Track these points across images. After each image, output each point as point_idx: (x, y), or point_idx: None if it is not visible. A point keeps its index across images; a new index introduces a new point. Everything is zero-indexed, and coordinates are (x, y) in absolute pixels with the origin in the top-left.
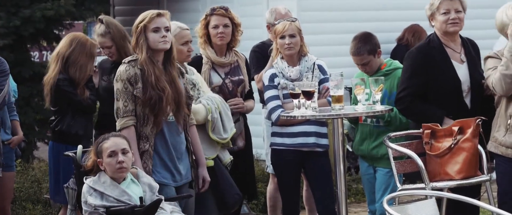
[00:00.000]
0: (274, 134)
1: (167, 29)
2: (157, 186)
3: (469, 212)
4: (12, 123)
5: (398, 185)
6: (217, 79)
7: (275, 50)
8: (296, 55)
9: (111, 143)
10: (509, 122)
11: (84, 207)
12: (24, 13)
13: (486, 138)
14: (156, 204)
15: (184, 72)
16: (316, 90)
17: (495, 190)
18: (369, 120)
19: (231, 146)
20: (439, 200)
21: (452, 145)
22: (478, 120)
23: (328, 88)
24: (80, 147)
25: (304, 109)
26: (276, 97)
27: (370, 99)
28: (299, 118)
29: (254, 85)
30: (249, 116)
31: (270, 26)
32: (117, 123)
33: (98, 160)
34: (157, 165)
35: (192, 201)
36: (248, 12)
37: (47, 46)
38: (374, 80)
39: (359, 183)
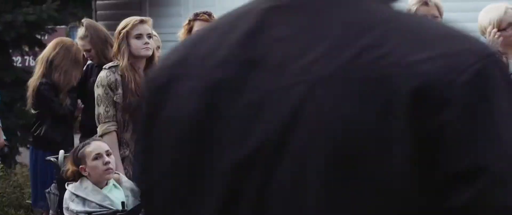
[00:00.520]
0: None
1: (150, 36)
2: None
3: None
4: None
5: None
6: None
7: None
8: None
9: (95, 146)
10: None
11: (66, 214)
12: (5, 18)
13: None
14: (138, 209)
15: None
16: None
17: None
18: None
19: None
20: None
21: None
22: None
23: None
24: (61, 152)
25: None
26: None
27: None
28: None
29: None
30: None
31: None
32: (98, 129)
33: (81, 166)
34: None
35: None
36: None
37: (29, 51)
38: None
39: None
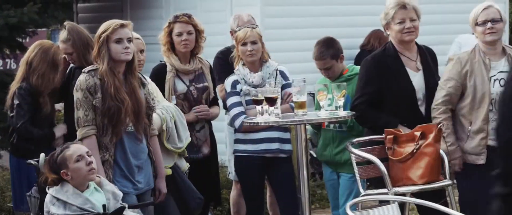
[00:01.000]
0: (237, 141)
1: (130, 40)
2: (120, 194)
3: None
4: None
5: (361, 190)
6: (181, 87)
7: (237, 57)
8: (258, 62)
9: (74, 148)
10: (469, 128)
11: None
12: None
13: None
14: (119, 212)
15: (146, 82)
16: (279, 97)
17: (457, 195)
18: (331, 125)
19: (186, 155)
20: (402, 205)
21: (415, 150)
22: (440, 125)
23: (290, 94)
24: (42, 155)
25: (267, 115)
26: (238, 104)
27: (332, 105)
28: (263, 124)
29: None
30: (213, 123)
31: (233, 32)
32: (78, 132)
33: (62, 171)
34: (117, 174)
35: (150, 209)
36: (212, 19)
37: (10, 54)
38: (336, 86)
39: (323, 189)
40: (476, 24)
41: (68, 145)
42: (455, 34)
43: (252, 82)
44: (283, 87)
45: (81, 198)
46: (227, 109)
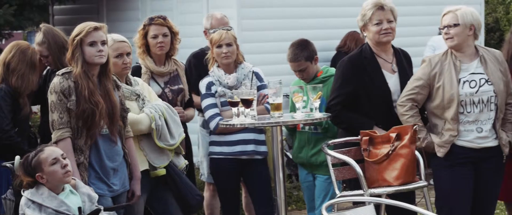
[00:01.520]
0: (212, 143)
1: (104, 43)
2: (96, 196)
3: None
4: None
5: (337, 191)
6: (156, 89)
7: (211, 59)
8: (233, 64)
9: (49, 151)
10: (443, 126)
11: None
12: None
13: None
14: (94, 214)
15: (120, 84)
16: (255, 98)
17: (433, 196)
18: (307, 127)
19: (183, 152)
20: (377, 206)
21: (390, 152)
22: (415, 126)
23: (265, 96)
24: (17, 157)
25: (243, 117)
26: (214, 105)
27: (307, 107)
28: (239, 126)
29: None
30: (188, 125)
31: (207, 31)
32: (52, 135)
33: (37, 174)
34: (92, 176)
35: (139, 210)
36: (188, 21)
37: None
38: (312, 88)
39: (300, 190)
40: (440, 28)
41: (42, 148)
42: (428, 36)
43: (227, 84)
44: (258, 88)
45: (57, 200)
46: (199, 110)
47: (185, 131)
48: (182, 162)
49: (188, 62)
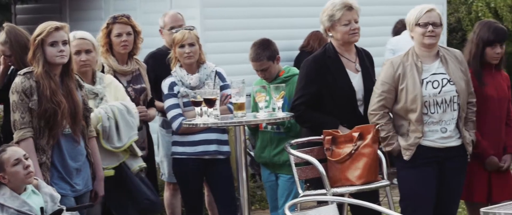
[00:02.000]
0: (175, 143)
1: (65, 43)
2: (58, 196)
3: None
4: None
5: (300, 191)
6: None
7: (174, 59)
8: (195, 64)
9: (11, 152)
10: (408, 128)
11: None
12: None
13: None
14: (57, 214)
15: (83, 84)
16: (218, 98)
17: (395, 195)
18: (269, 127)
19: (139, 154)
20: (340, 205)
21: (353, 151)
22: (377, 126)
23: (227, 95)
24: None
25: (206, 117)
26: (176, 106)
27: (270, 106)
28: (202, 126)
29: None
30: (150, 124)
31: (161, 30)
32: (14, 135)
33: None
34: (54, 176)
35: (96, 210)
36: (152, 20)
37: None
38: (275, 88)
39: (264, 190)
40: (418, 24)
41: (4, 148)
42: (388, 36)
43: (190, 84)
44: (221, 88)
45: (19, 200)
46: (159, 110)
47: (147, 131)
48: (135, 165)
49: (145, 63)
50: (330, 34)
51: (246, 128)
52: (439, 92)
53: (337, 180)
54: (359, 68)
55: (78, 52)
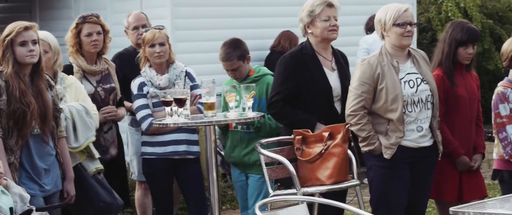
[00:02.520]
0: (144, 144)
1: (35, 42)
2: (28, 196)
3: None
4: None
5: (270, 191)
6: (89, 88)
7: (143, 59)
8: (165, 63)
9: None
10: (387, 127)
11: None
12: None
13: (356, 143)
14: (26, 214)
15: (53, 84)
16: (188, 98)
17: (365, 194)
18: (239, 126)
19: (96, 156)
20: (311, 205)
21: (323, 151)
22: (347, 126)
23: (197, 95)
24: None
25: (177, 117)
26: (145, 106)
27: (240, 106)
28: (172, 126)
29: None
30: (119, 124)
31: (126, 31)
32: None
33: None
34: (22, 176)
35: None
36: (121, 20)
37: None
38: (245, 87)
39: (234, 190)
40: (396, 24)
41: None
42: (360, 36)
43: (159, 85)
44: (191, 88)
45: None
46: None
47: (117, 130)
48: (92, 166)
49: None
50: (310, 31)
51: (216, 127)
52: (415, 92)
53: (307, 179)
54: (335, 67)
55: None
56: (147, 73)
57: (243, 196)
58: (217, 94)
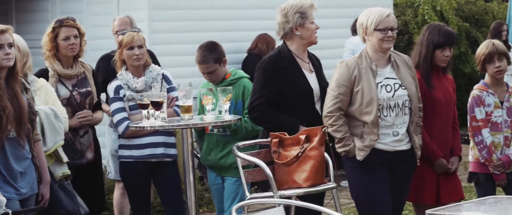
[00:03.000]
0: (121, 147)
1: (11, 45)
2: (4, 200)
3: None
4: None
5: (247, 194)
6: (64, 92)
7: (119, 61)
8: (142, 66)
9: None
10: (362, 130)
11: None
12: None
13: (334, 146)
14: None
15: (28, 87)
16: (165, 101)
17: (342, 197)
18: (215, 129)
19: (64, 160)
20: (287, 208)
21: (299, 153)
22: (324, 128)
23: (173, 98)
24: None
25: (153, 119)
26: (122, 109)
27: (216, 109)
28: (149, 129)
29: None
30: (97, 127)
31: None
32: None
33: None
34: None
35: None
36: (99, 22)
37: None
38: (222, 90)
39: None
40: (378, 29)
41: None
42: (345, 38)
43: (136, 87)
44: (167, 91)
45: None
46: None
47: (94, 134)
48: (59, 171)
49: (97, 65)
50: (298, 33)
51: (193, 130)
52: (392, 96)
53: (284, 182)
54: (313, 69)
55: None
56: (123, 76)
57: (219, 199)
58: (193, 97)
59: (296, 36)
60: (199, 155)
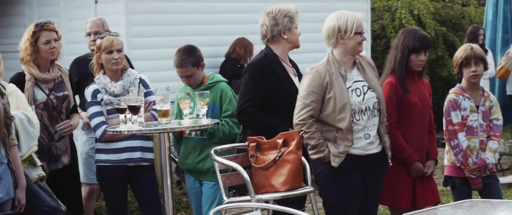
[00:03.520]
0: (98, 151)
1: None
2: None
3: None
4: None
5: (225, 198)
6: (41, 96)
7: (97, 65)
8: (119, 70)
9: None
10: (336, 135)
11: None
12: None
13: None
14: None
15: (4, 92)
16: (143, 105)
17: (319, 201)
18: (193, 133)
19: (38, 164)
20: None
21: (277, 158)
22: (301, 132)
23: (150, 102)
24: None
25: (131, 124)
26: (99, 113)
27: (193, 113)
28: (126, 133)
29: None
30: (73, 131)
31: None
32: None
33: None
34: None
35: None
36: (76, 27)
37: None
38: (199, 94)
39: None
40: (357, 32)
41: None
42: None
43: (113, 92)
44: (145, 95)
45: None
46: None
47: (70, 138)
48: (34, 173)
49: (70, 68)
50: (285, 36)
51: (170, 134)
52: (362, 100)
53: (262, 186)
54: (296, 73)
55: None
56: (101, 80)
57: (197, 203)
58: (171, 102)
59: (283, 39)
60: (177, 159)
